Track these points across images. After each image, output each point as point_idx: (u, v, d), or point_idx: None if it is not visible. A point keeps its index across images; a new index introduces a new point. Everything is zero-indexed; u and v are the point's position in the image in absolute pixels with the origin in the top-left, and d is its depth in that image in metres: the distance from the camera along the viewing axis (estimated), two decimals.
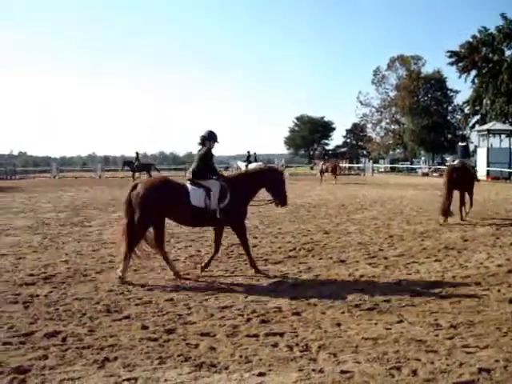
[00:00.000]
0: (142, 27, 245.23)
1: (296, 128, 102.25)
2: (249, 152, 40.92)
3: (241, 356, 4.99)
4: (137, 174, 41.03)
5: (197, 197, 8.23)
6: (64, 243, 11.40)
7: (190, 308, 6.52)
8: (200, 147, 8.74)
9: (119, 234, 8.33)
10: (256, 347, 5.24)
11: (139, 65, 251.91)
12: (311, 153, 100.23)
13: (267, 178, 8.90)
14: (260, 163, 40.92)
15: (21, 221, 15.54)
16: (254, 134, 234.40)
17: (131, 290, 7.36)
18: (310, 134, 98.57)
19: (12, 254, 10.21)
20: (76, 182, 39.60)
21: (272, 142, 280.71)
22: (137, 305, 6.66)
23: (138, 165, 43.01)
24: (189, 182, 8.54)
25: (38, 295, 7.14)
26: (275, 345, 5.30)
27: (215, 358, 4.96)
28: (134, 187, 8.31)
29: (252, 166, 37.99)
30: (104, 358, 4.92)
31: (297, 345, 5.29)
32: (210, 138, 8.70)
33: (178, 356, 4.98)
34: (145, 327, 5.79)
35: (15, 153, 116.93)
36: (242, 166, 39.00)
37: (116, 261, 9.35)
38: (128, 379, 4.47)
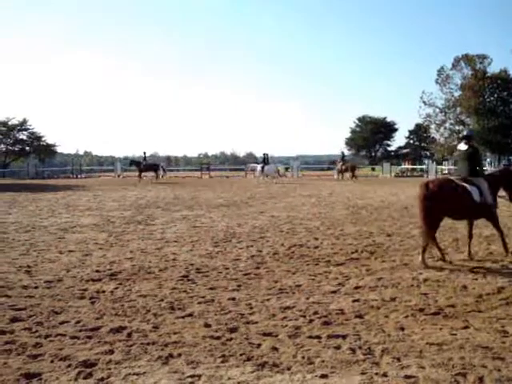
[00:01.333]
0: (209, 33, 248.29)
1: (357, 129, 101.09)
2: (264, 154, 41.77)
3: (303, 357, 4.96)
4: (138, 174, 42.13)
5: (475, 193, 9.21)
6: (128, 241, 11.68)
7: (252, 308, 6.54)
8: (466, 147, 9.68)
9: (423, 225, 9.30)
10: (318, 349, 5.19)
11: (202, 66, 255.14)
12: (373, 154, 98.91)
13: (507, 178, 9.93)
14: (278, 165, 41.90)
15: (87, 219, 16.01)
16: (315, 134, 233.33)
17: (194, 289, 7.45)
18: (371, 135, 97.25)
19: (79, 250, 10.54)
20: (137, 181, 40.35)
21: (332, 143, 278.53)
22: (199, 303, 6.73)
23: (145, 164, 43.73)
24: (461, 180, 9.43)
25: (103, 291, 7.34)
26: (338, 347, 5.24)
27: (277, 358, 4.95)
28: (426, 186, 9.20)
29: (268, 167, 40.13)
30: (168, 354, 4.99)
31: (360, 348, 5.22)
32: (473, 138, 9.90)
33: (241, 355, 5.00)
34: (207, 325, 5.84)
35: (81, 152, 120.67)
36: (258, 167, 41.17)
37: (179, 259, 9.52)
38: (191, 376, 4.51)
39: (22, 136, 70.51)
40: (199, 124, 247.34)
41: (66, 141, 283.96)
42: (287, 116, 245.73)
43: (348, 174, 42.56)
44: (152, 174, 43.36)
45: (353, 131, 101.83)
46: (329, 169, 56.42)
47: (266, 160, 41.29)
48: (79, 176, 56.21)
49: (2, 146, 69.35)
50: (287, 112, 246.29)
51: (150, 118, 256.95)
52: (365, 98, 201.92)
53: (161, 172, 43.41)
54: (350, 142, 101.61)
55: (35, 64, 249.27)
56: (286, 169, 45.80)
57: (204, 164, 59.07)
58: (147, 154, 49.67)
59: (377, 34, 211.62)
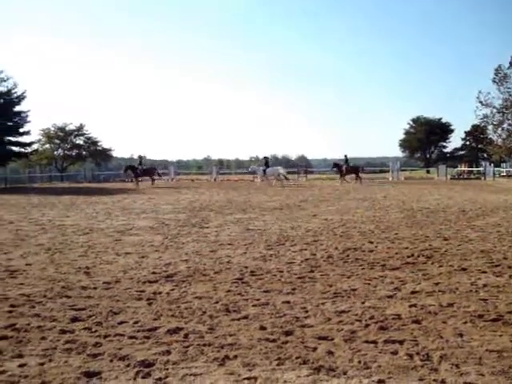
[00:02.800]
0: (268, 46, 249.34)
1: (412, 130, 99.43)
2: (265, 158, 45.91)
3: (359, 362, 4.90)
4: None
5: None
6: (183, 243, 11.82)
7: (307, 311, 6.51)
8: None
9: None
10: (375, 354, 5.12)
11: (253, 70, 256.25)
12: (428, 156, 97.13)
13: None
14: (279, 167, 42.38)
15: (142, 221, 16.31)
16: (368, 136, 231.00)
17: (248, 291, 7.47)
18: (426, 137, 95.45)
19: (135, 252, 10.74)
20: (192, 184, 40.86)
21: (385, 145, 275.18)
22: (254, 306, 6.74)
23: (141, 169, 43.61)
24: None
25: (160, 292, 7.44)
26: (395, 352, 5.16)
27: (333, 362, 4.91)
28: None
29: (269, 170, 42.22)
30: (224, 356, 5.01)
31: (417, 353, 5.12)
32: None
33: (297, 358, 4.98)
34: (263, 328, 5.84)
35: (135, 156, 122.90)
36: (260, 170, 43.79)
37: (233, 262, 9.58)
38: (248, 378, 4.52)
39: (79, 141, 72.56)
40: (251, 127, 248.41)
41: (121, 145, 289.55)
42: (337, 118, 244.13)
43: (348, 177, 42.48)
44: (166, 176, 43.29)
45: (407, 133, 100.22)
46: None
47: (267, 163, 44.04)
48: (134, 180, 57.25)
49: (60, 150, 71.43)
50: (337, 114, 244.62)
51: (202, 122, 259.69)
52: (419, 98, 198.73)
53: (156, 177, 43.59)
54: (404, 144, 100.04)
55: (92, 70, 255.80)
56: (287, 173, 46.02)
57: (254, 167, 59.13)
58: (200, 158, 50.17)
59: (430, 32, 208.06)
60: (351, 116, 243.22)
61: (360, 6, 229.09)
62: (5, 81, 50.84)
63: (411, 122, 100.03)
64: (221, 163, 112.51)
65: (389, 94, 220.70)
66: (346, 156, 48.03)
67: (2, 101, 50.51)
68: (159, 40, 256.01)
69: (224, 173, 68.23)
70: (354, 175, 43.46)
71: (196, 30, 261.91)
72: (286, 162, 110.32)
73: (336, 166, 46.64)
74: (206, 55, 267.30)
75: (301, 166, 62.11)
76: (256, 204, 22.46)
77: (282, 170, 43.58)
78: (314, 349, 5.23)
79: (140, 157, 47.61)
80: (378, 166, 75.21)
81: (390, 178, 47.50)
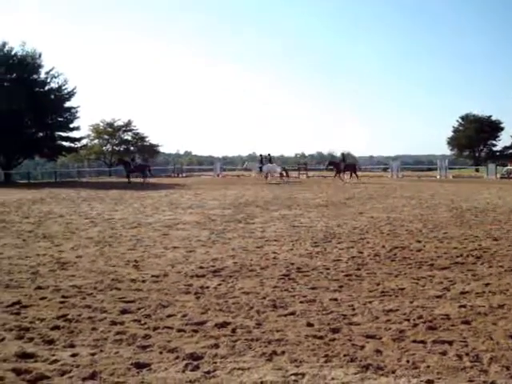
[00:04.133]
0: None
1: (460, 128, 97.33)
2: (261, 155, 46.42)
3: (408, 361, 4.85)
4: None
5: None
6: (230, 239, 11.91)
7: (354, 309, 6.47)
8: None
9: None
10: (423, 354, 5.06)
11: (296, 71, 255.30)
12: (477, 154, 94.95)
13: None
14: (274, 164, 42.49)
15: (189, 216, 16.49)
16: (415, 134, 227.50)
17: (295, 288, 7.47)
18: (475, 134, 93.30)
19: (183, 247, 10.88)
20: (238, 180, 41.04)
21: (433, 143, 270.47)
22: (301, 302, 6.74)
23: (134, 165, 43.58)
24: None
25: (207, 287, 7.52)
26: (444, 353, 5.08)
27: (381, 361, 4.87)
28: None
29: (266, 167, 43.07)
30: (272, 351, 5.03)
31: (467, 354, 5.03)
32: None
33: (344, 356, 4.96)
34: (310, 324, 5.84)
35: (181, 152, 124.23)
36: (256, 167, 45.40)
37: (280, 258, 9.59)
38: (295, 374, 4.53)
39: (127, 136, 73.79)
40: (296, 123, 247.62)
41: (168, 141, 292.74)
42: (384, 116, 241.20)
43: (346, 175, 41.90)
44: (212, 172, 43.45)
45: (455, 130, 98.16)
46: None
47: (263, 160, 44.97)
48: (180, 175, 57.86)
49: (108, 145, 72.74)
50: (384, 112, 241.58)
51: (247, 118, 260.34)
52: (468, 95, 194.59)
53: (148, 173, 43.69)
54: (452, 142, 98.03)
55: (140, 67, 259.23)
56: (284, 169, 45.83)
57: (301, 164, 58.97)
58: (246, 154, 50.42)
59: (479, 30, 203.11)
60: (399, 113, 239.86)
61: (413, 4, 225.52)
62: (56, 77, 52.01)
63: (460, 120, 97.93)
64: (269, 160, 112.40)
65: (438, 91, 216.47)
66: (342, 154, 47.84)
67: (53, 97, 51.69)
68: (209, 36, 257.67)
69: None
70: (350, 173, 42.84)
71: (247, 29, 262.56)
72: (331, 159, 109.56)
73: (332, 164, 45.97)
74: (253, 52, 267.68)
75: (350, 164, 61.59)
76: (301, 201, 22.41)
77: (278, 168, 44.04)
78: (362, 347, 5.21)
79: (133, 153, 48.10)
80: (425, 164, 73.90)
81: (438, 177, 46.66)
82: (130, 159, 46.29)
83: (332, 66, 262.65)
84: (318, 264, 9.06)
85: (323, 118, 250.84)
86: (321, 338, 5.43)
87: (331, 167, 45.84)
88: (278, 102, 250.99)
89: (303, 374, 4.53)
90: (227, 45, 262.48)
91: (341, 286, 7.60)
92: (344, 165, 43.47)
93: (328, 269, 8.63)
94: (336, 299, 6.89)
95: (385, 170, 61.74)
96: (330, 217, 16.18)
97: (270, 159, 45.04)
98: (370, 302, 6.78)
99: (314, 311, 6.34)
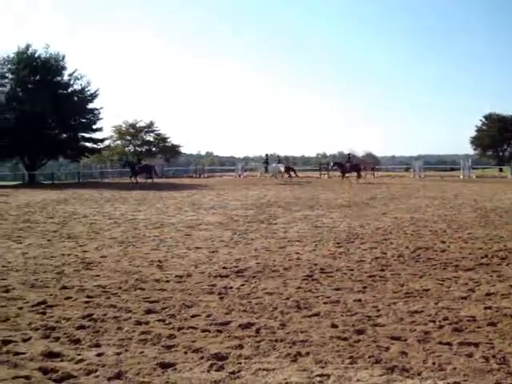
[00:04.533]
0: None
1: (484, 127, 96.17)
2: (267, 155, 49.53)
3: (434, 363, 4.80)
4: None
5: None
6: (252, 239, 11.92)
7: (378, 310, 6.43)
8: None
9: None
10: (449, 355, 5.00)
11: (317, 72, 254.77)
12: (500, 154, 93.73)
13: None
14: (280, 165, 45.31)
15: (211, 217, 16.55)
16: (438, 134, 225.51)
17: (319, 289, 7.45)
18: (499, 134, 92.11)
19: (206, 247, 10.92)
20: (258, 180, 41.01)
21: (456, 143, 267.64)
22: (325, 303, 6.72)
23: (139, 167, 43.71)
24: None
25: (231, 287, 7.54)
26: (470, 355, 5.02)
27: (407, 362, 4.83)
28: None
29: (270, 167, 45.18)
30: (296, 352, 5.02)
31: (493, 357, 4.96)
32: None
33: (369, 357, 4.93)
34: (334, 326, 5.82)
35: (203, 153, 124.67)
36: (261, 167, 47.85)
37: (303, 258, 9.57)
38: (320, 375, 4.51)
39: (149, 137, 74.05)
40: (317, 123, 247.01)
41: (189, 142, 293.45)
42: (406, 115, 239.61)
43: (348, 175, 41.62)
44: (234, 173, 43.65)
45: (479, 130, 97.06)
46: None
47: (267, 161, 47.56)
48: (202, 175, 58.01)
49: (131, 146, 73.22)
50: (406, 111, 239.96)
51: (268, 119, 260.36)
52: (491, 95, 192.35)
53: (154, 174, 44.03)
54: (475, 142, 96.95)
55: (162, 68, 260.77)
56: (291, 168, 45.95)
57: (323, 164, 58.71)
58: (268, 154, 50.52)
59: (501, 29, 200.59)
60: (422, 113, 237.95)
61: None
62: (79, 79, 52.49)
63: (483, 119, 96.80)
64: (286, 160, 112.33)
65: (460, 92, 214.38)
66: (349, 155, 47.44)
67: (76, 98, 52.18)
68: (232, 38, 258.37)
69: None
70: (355, 173, 42.45)
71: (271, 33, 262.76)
72: (352, 159, 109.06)
73: (337, 164, 45.63)
74: (265, 52, 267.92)
75: (368, 163, 61.10)
76: (323, 201, 22.34)
77: (282, 168, 44.41)
78: (387, 348, 5.17)
79: (138, 155, 48.70)
80: (448, 164, 73.10)
81: (461, 176, 46.13)
82: (136, 161, 46.86)
83: (347, 65, 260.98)
84: (342, 265, 9.02)
85: (344, 117, 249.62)
86: (345, 339, 5.41)
87: (335, 167, 45.69)
88: (298, 103, 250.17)
89: (328, 375, 4.51)
90: (229, 44, 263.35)
91: (365, 287, 7.56)
92: (349, 165, 43.20)
93: (352, 270, 8.60)
94: (360, 300, 6.86)
95: (407, 170, 61.21)
96: (353, 217, 16.11)
97: (278, 160, 46.40)
98: (395, 303, 6.73)
99: (338, 312, 6.32)
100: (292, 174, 43.10)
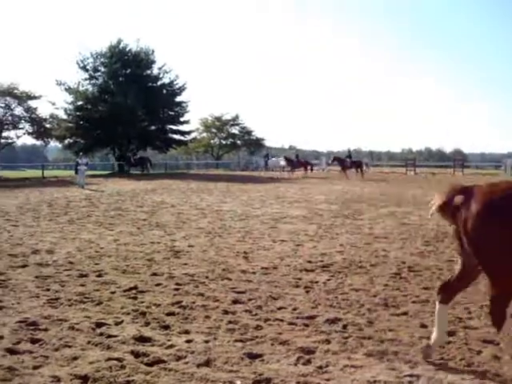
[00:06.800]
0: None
1: None
2: (267, 151, 55.04)
3: None
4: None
5: None
6: (338, 234, 11.83)
7: (470, 312, 6.22)
8: None
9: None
10: None
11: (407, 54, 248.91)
12: None
13: None
14: (280, 159, 48.03)
15: (296, 210, 16.56)
16: None
17: (407, 287, 7.29)
18: None
19: (291, 240, 10.94)
20: (342, 175, 40.56)
21: None
22: (414, 302, 6.57)
23: (135, 159, 43.36)
24: None
25: (317, 282, 7.51)
26: None
27: (499, 367, 4.65)
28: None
29: (270, 161, 50.54)
30: (384, 350, 4.95)
31: None
32: None
33: (460, 360, 4.78)
34: (424, 326, 5.67)
35: (286, 146, 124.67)
36: (262, 161, 52.84)
37: (390, 256, 9.40)
38: (410, 375, 4.42)
39: (234, 130, 74.99)
40: (403, 117, 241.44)
41: (273, 135, 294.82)
42: (496, 111, 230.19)
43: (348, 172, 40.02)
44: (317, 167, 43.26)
45: None
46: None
47: (267, 156, 53.11)
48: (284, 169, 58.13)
49: (216, 139, 74.39)
50: (494, 107, 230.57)
51: (352, 112, 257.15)
52: None
53: (149, 167, 44.47)
54: None
55: (247, 59, 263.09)
56: (308, 162, 46.80)
57: (409, 160, 57.44)
58: (351, 149, 49.77)
59: None
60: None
61: None
62: (167, 73, 53.86)
63: None
64: (371, 155, 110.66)
65: None
66: (349, 150, 45.65)
67: (164, 92, 53.59)
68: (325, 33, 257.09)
69: (375, 165, 67.23)
70: (355, 170, 40.69)
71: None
72: (439, 156, 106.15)
73: (337, 160, 43.99)
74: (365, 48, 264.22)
75: (456, 160, 59.13)
76: (410, 198, 21.83)
77: (282, 162, 45.56)
78: (479, 352, 5.01)
79: (133, 149, 49.96)
80: None
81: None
82: (132, 154, 48.54)
83: (452, 46, 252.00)
84: (431, 264, 8.78)
85: (431, 111, 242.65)
86: None
87: (335, 163, 44.48)
88: (386, 93, 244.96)
89: (418, 376, 4.42)
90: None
91: None
92: (350, 161, 41.89)
93: (441, 269, 8.35)
94: None
95: (497, 167, 58.86)
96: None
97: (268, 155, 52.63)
98: (487, 306, 6.48)
99: (427, 312, 6.14)
100: (361, 169, 41.83)
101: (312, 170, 46.01)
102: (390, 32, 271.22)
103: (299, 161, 46.17)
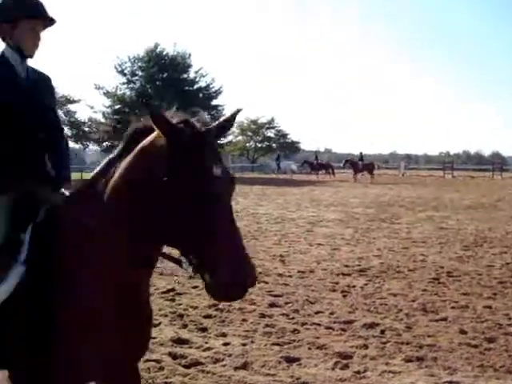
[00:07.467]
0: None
1: None
2: (278, 154, 55.82)
3: None
4: None
5: None
6: (374, 238, 11.76)
7: (510, 318, 6.09)
8: None
9: None
10: None
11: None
12: None
13: None
14: (291, 162, 49.52)
15: (332, 214, 16.50)
16: None
17: (446, 292, 7.21)
18: None
19: (327, 244, 10.92)
20: (379, 179, 40.23)
21: None
22: (453, 308, 6.49)
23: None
24: None
25: (354, 286, 7.48)
26: None
27: None
28: None
29: (283, 164, 51.17)
30: (423, 356, 4.90)
31: None
32: None
33: (501, 367, 4.70)
34: (463, 332, 5.60)
35: (321, 149, 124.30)
36: (274, 165, 52.45)
37: (428, 261, 9.29)
38: (449, 382, 4.38)
39: (270, 133, 74.96)
40: (440, 120, 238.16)
41: (308, 138, 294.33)
42: None
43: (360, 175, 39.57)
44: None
45: None
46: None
47: (278, 158, 54.00)
48: (320, 172, 57.87)
49: (252, 142, 74.53)
50: None
51: (389, 116, 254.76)
52: None
53: None
54: None
55: (248, 63, 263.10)
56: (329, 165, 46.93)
57: (447, 163, 56.65)
58: (386, 153, 49.34)
59: None
60: None
61: None
62: (204, 76, 54.23)
63: None
64: (408, 158, 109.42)
65: None
66: (361, 153, 44.48)
67: (201, 95, 53.95)
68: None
69: (412, 168, 66.48)
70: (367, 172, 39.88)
71: None
72: (478, 159, 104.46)
73: (349, 162, 43.21)
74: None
75: (495, 164, 58.07)
76: (448, 202, 21.54)
77: (293, 166, 46.69)
78: None
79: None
80: None
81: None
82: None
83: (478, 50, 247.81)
84: (470, 269, 8.66)
85: (470, 114, 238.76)
86: (475, 346, 5.20)
87: (348, 165, 43.88)
88: (414, 96, 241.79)
89: (457, 383, 4.36)
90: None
91: (495, 294, 7.21)
92: (362, 164, 41.25)
93: (480, 274, 8.23)
94: (490, 307, 6.55)
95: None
96: (480, 219, 15.38)
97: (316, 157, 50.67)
98: None
99: (467, 318, 6.07)
100: (371, 172, 41.01)
101: (334, 172, 45.16)
102: (389, 32, 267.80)
103: (319, 163, 46.01)
